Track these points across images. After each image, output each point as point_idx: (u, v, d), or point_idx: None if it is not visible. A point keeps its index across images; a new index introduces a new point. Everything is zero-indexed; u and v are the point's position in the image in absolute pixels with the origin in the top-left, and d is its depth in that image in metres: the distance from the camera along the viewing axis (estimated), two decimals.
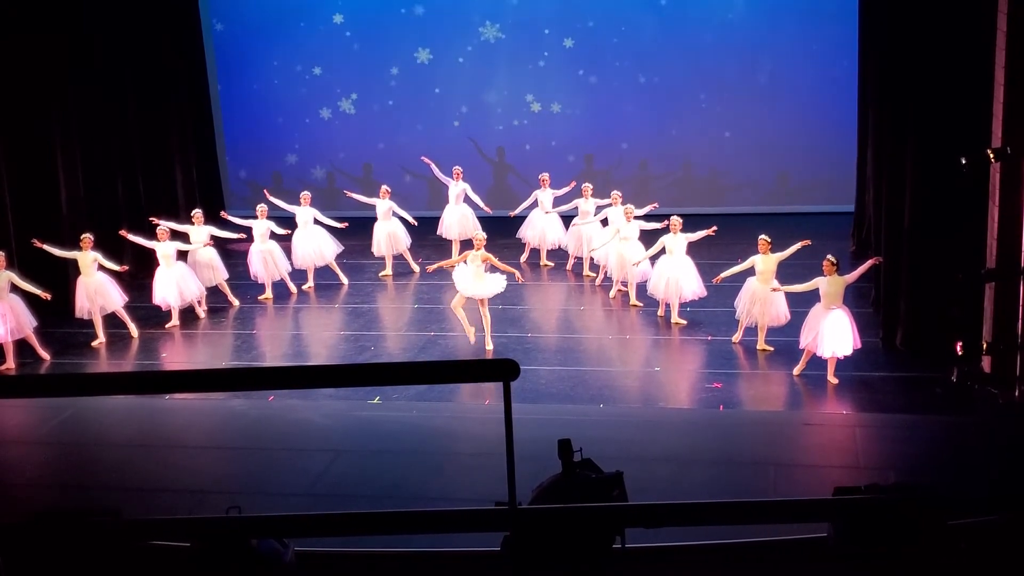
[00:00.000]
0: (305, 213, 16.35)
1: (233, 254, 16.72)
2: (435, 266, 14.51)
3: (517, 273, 14.01)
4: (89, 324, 14.46)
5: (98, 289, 14.33)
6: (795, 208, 18.82)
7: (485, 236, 14.03)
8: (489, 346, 13.69)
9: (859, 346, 12.38)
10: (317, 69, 19.59)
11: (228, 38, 19.70)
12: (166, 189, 17.88)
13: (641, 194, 17.23)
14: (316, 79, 19.64)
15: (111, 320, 14.59)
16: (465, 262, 13.76)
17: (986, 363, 12.03)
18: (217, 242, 15.81)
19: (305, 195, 16.51)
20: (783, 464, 10.37)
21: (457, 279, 13.72)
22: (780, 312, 13.23)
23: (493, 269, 13.89)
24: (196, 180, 18.68)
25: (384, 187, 16.90)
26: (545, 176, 16.88)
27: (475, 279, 13.60)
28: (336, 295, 16.22)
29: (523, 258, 17.18)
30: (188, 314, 15.25)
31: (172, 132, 17.99)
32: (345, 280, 16.50)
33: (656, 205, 15.66)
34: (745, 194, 19.12)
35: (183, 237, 15.38)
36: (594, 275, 16.22)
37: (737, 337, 13.65)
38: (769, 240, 13.25)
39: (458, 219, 17.09)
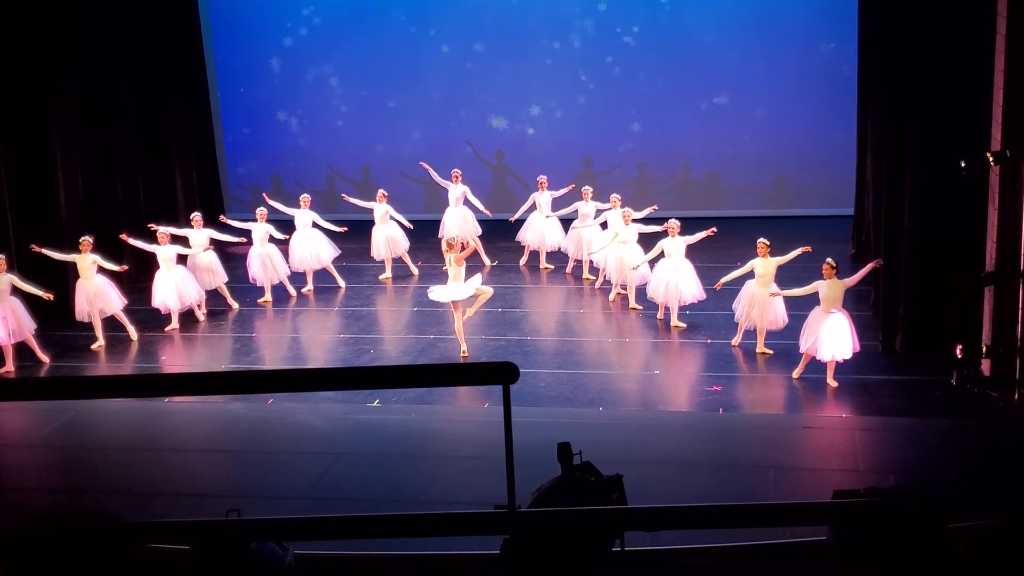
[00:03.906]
0: (304, 216, 16.36)
1: (232, 257, 16.72)
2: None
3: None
4: (89, 327, 14.45)
5: (97, 292, 14.33)
6: (794, 211, 18.82)
7: (460, 242, 14.07)
8: (463, 348, 13.69)
9: (858, 349, 12.38)
10: (316, 71, 19.60)
11: (228, 39, 19.69)
12: (165, 192, 17.86)
13: (640, 197, 17.22)
14: (315, 81, 19.64)
15: (111, 323, 14.59)
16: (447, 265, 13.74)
17: (985, 366, 12.03)
18: (216, 245, 15.81)
19: (304, 198, 16.52)
20: (783, 467, 10.37)
21: (435, 288, 13.71)
22: (779, 315, 13.23)
23: (471, 272, 13.97)
24: (196, 183, 18.67)
25: (381, 191, 16.89)
26: (543, 179, 16.87)
27: (452, 283, 13.61)
28: (335, 298, 16.22)
29: (523, 261, 17.18)
30: (188, 317, 15.25)
31: (172, 134, 17.97)
32: (343, 283, 16.50)
33: (656, 208, 15.64)
34: (744, 197, 19.12)
35: (183, 241, 15.38)
36: (593, 278, 16.22)
37: (736, 340, 13.65)
38: (768, 243, 13.25)
39: (458, 222, 17.07)
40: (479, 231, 17.17)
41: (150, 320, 15.11)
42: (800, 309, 12.84)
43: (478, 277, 14.02)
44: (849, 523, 4.63)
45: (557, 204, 16.75)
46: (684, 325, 14.32)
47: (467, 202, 17.15)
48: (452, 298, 13.59)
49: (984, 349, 11.80)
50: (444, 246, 13.97)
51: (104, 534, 4.70)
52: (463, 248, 14.92)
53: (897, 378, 12.53)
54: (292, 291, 16.21)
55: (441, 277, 14.98)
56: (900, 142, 12.84)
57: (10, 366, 13.65)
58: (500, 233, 17.32)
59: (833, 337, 12.18)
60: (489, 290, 13.99)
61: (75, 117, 15.97)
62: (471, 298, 13.76)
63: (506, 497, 4.49)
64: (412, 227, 16.81)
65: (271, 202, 16.58)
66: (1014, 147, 10.97)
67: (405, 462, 10.65)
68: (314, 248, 16.34)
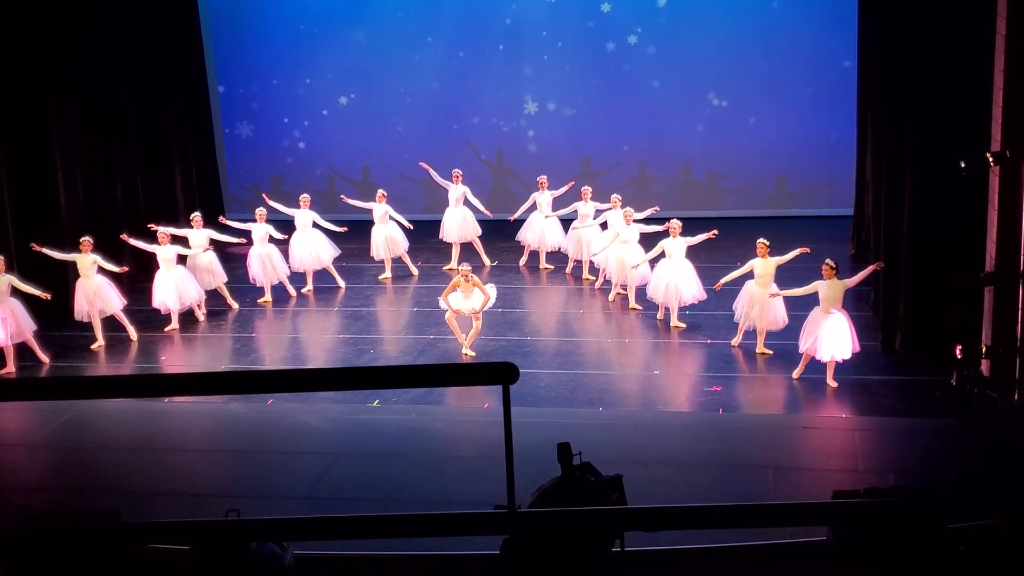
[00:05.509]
0: (304, 216, 16.35)
1: (232, 257, 16.72)
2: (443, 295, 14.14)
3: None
4: (88, 327, 14.45)
5: (97, 292, 14.33)
6: (794, 212, 18.82)
7: (470, 267, 13.92)
8: (471, 352, 13.67)
9: (858, 349, 12.38)
10: (316, 72, 19.58)
11: (228, 39, 19.69)
12: (165, 192, 17.85)
13: (640, 197, 17.22)
14: (315, 82, 19.63)
15: (110, 323, 14.59)
16: (457, 287, 13.72)
17: (985, 367, 12.03)
18: (216, 246, 15.81)
19: (304, 198, 16.51)
20: (782, 467, 10.37)
21: (450, 299, 13.69)
22: (778, 315, 13.24)
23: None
24: (195, 183, 18.65)
25: (380, 191, 16.88)
26: (543, 179, 16.86)
27: (465, 298, 13.64)
28: (335, 298, 16.21)
29: (522, 261, 17.18)
30: (187, 317, 15.25)
31: (172, 134, 17.95)
32: (342, 283, 16.49)
33: (657, 209, 15.63)
34: (744, 197, 19.12)
35: (183, 241, 15.38)
36: (593, 278, 16.22)
37: (736, 340, 13.65)
38: (768, 244, 13.25)
39: (458, 222, 17.06)
40: (479, 231, 17.16)
41: (150, 320, 15.11)
42: (800, 309, 12.85)
43: (492, 290, 13.99)
44: (849, 523, 4.64)
45: (557, 204, 16.73)
46: (684, 325, 14.32)
47: (467, 202, 17.13)
48: (472, 309, 13.59)
49: (984, 349, 11.79)
50: (458, 274, 13.90)
51: (104, 534, 4.70)
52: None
53: (897, 378, 12.54)
54: (292, 291, 16.20)
55: (440, 277, 15.02)
56: (900, 142, 12.84)
57: (11, 367, 13.64)
58: (500, 233, 17.31)
59: (833, 337, 12.19)
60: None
61: (75, 117, 15.97)
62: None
63: (506, 497, 4.50)
64: (412, 227, 16.80)
65: (270, 202, 16.57)
66: (1014, 147, 10.97)
67: (405, 462, 10.64)
68: (314, 248, 16.33)
